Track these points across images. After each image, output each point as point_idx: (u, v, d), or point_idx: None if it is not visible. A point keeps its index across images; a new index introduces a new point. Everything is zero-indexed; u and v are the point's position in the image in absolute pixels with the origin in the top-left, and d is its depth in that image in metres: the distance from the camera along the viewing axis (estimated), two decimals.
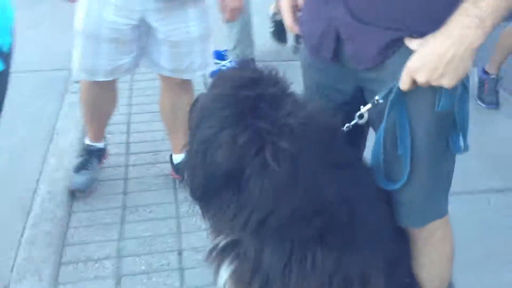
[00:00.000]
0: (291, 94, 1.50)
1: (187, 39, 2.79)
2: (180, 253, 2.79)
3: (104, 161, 3.43)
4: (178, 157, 3.26)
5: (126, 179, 3.36)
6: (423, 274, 1.85)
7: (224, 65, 4.50)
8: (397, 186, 1.57)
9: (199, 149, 1.45)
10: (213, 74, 4.32)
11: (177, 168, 3.27)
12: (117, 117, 3.99)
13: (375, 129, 1.65)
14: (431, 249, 1.80)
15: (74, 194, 3.17)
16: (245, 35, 4.51)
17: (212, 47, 3.03)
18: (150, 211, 3.09)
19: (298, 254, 1.56)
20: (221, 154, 1.38)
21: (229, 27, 4.45)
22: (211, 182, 1.44)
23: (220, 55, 4.62)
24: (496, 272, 2.53)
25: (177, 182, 3.30)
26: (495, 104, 4.01)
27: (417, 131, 1.52)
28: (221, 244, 1.71)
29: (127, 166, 3.48)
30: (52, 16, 5.57)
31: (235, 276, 1.69)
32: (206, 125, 1.43)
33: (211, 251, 1.77)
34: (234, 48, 4.54)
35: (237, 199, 1.44)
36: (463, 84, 1.48)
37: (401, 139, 1.52)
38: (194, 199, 1.55)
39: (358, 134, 1.73)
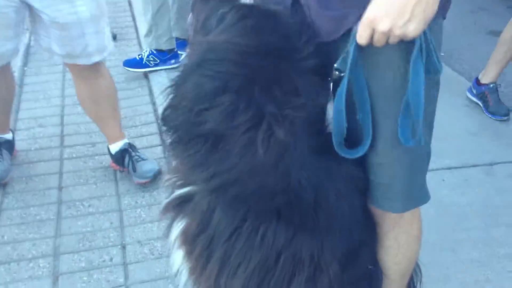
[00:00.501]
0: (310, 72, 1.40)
1: (76, 20, 2.56)
2: (123, 247, 2.62)
3: (15, 153, 3.23)
4: (115, 147, 3.10)
5: (61, 173, 3.15)
6: (389, 257, 1.75)
7: (143, 56, 4.19)
8: (359, 153, 1.46)
9: (190, 94, 1.34)
10: (126, 63, 4.21)
11: (116, 158, 3.10)
12: (49, 109, 3.79)
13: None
14: (399, 231, 1.69)
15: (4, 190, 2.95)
16: (161, 20, 4.10)
17: (107, 28, 2.83)
18: (89, 205, 2.90)
19: (250, 223, 1.47)
20: (212, 116, 1.31)
21: (145, 8, 4.11)
22: (189, 131, 1.36)
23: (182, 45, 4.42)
24: (453, 251, 2.51)
25: (118, 173, 3.12)
26: (505, 114, 3.60)
27: (377, 95, 1.43)
28: (177, 194, 1.60)
29: (61, 159, 3.27)
30: None
31: (183, 234, 1.59)
32: (209, 71, 1.33)
33: (167, 204, 1.65)
34: (147, 34, 4.18)
35: (207, 156, 1.36)
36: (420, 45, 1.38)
37: (360, 103, 1.43)
38: (167, 137, 1.45)
39: None
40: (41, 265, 2.52)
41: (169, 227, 1.65)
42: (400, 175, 1.54)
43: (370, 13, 1.27)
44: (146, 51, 4.23)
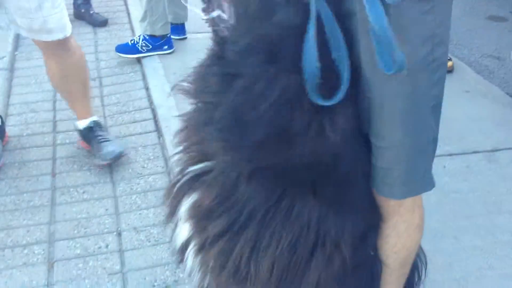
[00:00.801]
0: None
1: None
2: (119, 234, 2.56)
3: (6, 140, 3.17)
4: (82, 124, 3.07)
5: (54, 159, 3.08)
6: (388, 246, 1.69)
7: (135, 42, 4.10)
8: (334, 100, 1.39)
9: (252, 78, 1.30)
10: (119, 49, 4.12)
11: (83, 135, 3.09)
12: (41, 94, 3.71)
13: None
14: (398, 220, 1.63)
15: None
16: (157, 5, 4.02)
17: (65, 8, 2.77)
18: (84, 192, 2.83)
19: (288, 201, 1.42)
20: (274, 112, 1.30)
21: None
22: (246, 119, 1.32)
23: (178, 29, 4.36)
24: (456, 238, 2.48)
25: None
26: None
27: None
28: (192, 170, 1.53)
29: (54, 145, 3.20)
30: None
31: (194, 209, 1.52)
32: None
33: (172, 186, 1.60)
34: (143, 20, 4.10)
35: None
36: None
37: (333, 40, 1.34)
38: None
39: None
40: (35, 251, 2.46)
41: (177, 205, 1.58)
42: (401, 160, 1.49)
43: None
44: (139, 36, 4.15)
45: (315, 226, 1.44)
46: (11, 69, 3.99)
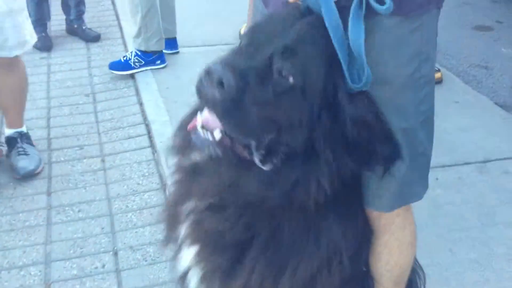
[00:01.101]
0: None
1: None
2: (115, 253, 2.56)
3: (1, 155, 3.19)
4: (8, 131, 3.17)
5: (49, 178, 3.08)
6: (380, 263, 1.70)
7: (128, 58, 4.12)
8: (364, 85, 1.34)
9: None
10: (111, 66, 4.13)
11: (7, 142, 3.16)
12: (35, 111, 3.71)
13: None
14: (390, 238, 1.65)
15: None
16: (151, 22, 4.04)
17: (28, 22, 2.91)
18: (79, 210, 2.84)
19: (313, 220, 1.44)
20: None
21: (133, 11, 4.05)
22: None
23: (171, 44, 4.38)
24: (451, 251, 2.50)
25: (107, 177, 3.06)
26: None
27: None
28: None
29: (50, 163, 3.20)
30: None
31: (200, 230, 1.50)
32: None
33: (171, 206, 1.60)
34: (137, 36, 4.10)
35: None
36: None
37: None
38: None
39: None
40: (32, 273, 2.45)
41: (175, 225, 1.57)
42: (393, 172, 1.48)
43: None
44: (131, 52, 4.16)
45: (324, 241, 1.46)
46: None
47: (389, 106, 1.41)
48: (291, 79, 1.25)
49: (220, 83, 1.18)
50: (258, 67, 1.23)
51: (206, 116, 1.28)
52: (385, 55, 1.37)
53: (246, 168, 1.33)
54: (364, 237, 1.64)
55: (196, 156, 1.44)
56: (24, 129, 3.19)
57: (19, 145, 3.08)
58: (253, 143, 1.30)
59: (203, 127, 1.28)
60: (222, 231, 1.45)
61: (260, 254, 1.45)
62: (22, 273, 2.46)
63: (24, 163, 3.00)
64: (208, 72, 1.19)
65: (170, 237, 1.64)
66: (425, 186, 1.62)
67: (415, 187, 1.59)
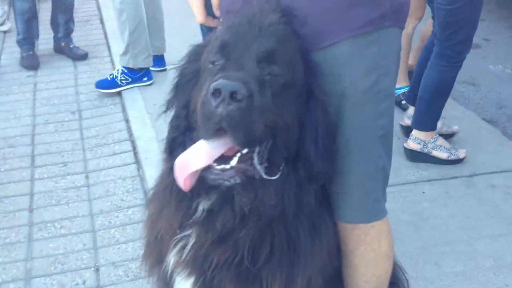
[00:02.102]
0: None
1: None
2: (97, 270, 2.51)
3: None
4: None
5: (32, 194, 3.03)
6: (357, 276, 1.68)
7: (114, 76, 4.07)
8: None
9: None
10: (98, 85, 4.10)
11: None
12: (19, 128, 3.68)
13: None
14: (365, 249, 1.63)
15: None
16: (139, 39, 4.03)
17: None
18: (61, 227, 2.79)
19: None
20: None
21: (121, 28, 4.04)
22: None
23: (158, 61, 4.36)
24: (437, 264, 2.46)
25: (91, 193, 3.02)
26: None
27: None
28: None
29: (32, 180, 3.16)
30: None
31: (196, 258, 1.45)
32: None
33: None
34: (125, 53, 4.08)
35: None
36: None
37: None
38: None
39: None
40: None
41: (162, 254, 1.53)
42: (349, 185, 1.51)
43: None
44: (118, 70, 4.15)
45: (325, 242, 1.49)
46: None
47: (348, 120, 1.42)
48: (281, 79, 1.27)
49: (232, 96, 1.15)
50: (253, 75, 1.23)
51: (206, 150, 1.25)
52: (341, 70, 1.38)
53: (260, 186, 1.31)
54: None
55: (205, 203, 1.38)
56: None
57: None
58: (255, 158, 1.29)
59: (216, 161, 1.25)
60: (233, 259, 1.41)
61: (278, 267, 1.42)
62: None
63: None
64: (215, 91, 1.16)
65: (155, 264, 1.61)
66: (385, 200, 1.61)
67: (379, 201, 1.58)
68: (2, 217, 2.85)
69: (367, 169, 1.50)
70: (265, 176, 1.29)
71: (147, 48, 4.11)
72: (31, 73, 4.47)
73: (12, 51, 4.80)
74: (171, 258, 1.51)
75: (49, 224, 2.81)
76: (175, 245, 1.48)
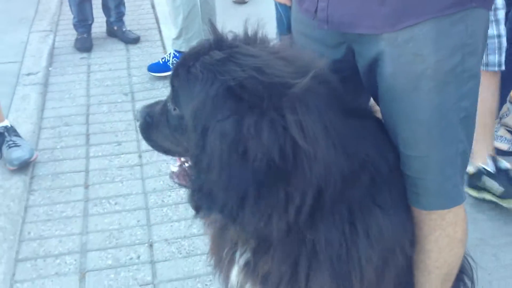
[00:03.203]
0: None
1: None
2: (150, 245, 2.55)
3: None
4: None
5: (87, 171, 3.09)
6: (429, 260, 1.64)
7: (166, 60, 4.13)
8: None
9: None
10: (150, 68, 4.15)
11: None
12: (74, 108, 3.75)
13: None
14: (440, 234, 1.58)
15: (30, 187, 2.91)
16: (193, 23, 4.03)
17: None
18: (116, 203, 2.84)
19: (361, 222, 1.36)
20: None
21: (175, 12, 4.03)
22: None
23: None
24: (494, 255, 2.41)
25: (144, 172, 3.07)
26: None
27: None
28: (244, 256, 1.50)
29: (87, 157, 3.22)
30: (3, 9, 5.23)
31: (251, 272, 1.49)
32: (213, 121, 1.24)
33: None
34: (178, 37, 4.09)
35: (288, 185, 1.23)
36: None
37: None
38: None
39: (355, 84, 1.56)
40: (67, 261, 2.46)
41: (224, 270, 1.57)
42: (428, 170, 1.46)
43: None
44: (170, 53, 4.19)
45: (392, 239, 1.42)
46: (45, 84, 4.05)
47: (428, 101, 1.37)
48: (176, 111, 1.35)
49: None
50: (164, 105, 1.42)
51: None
52: (424, 49, 1.33)
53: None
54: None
55: None
56: (7, 123, 3.18)
57: (7, 138, 3.07)
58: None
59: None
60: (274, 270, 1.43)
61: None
62: (57, 261, 2.46)
63: (18, 154, 2.98)
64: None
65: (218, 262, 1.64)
66: (463, 185, 1.57)
67: (458, 186, 1.52)
68: (58, 192, 2.92)
69: (447, 153, 1.44)
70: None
71: (200, 32, 4.12)
72: (85, 55, 4.54)
73: (66, 33, 4.90)
74: (233, 274, 1.54)
75: (103, 200, 2.86)
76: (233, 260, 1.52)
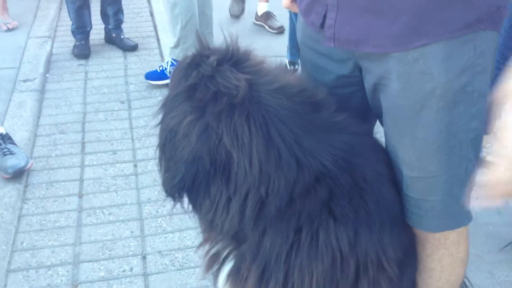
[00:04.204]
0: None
1: None
2: (144, 257, 2.53)
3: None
4: None
5: (81, 180, 3.08)
6: (431, 280, 1.63)
7: (164, 68, 4.13)
8: None
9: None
10: (148, 76, 4.14)
11: None
12: (71, 115, 3.74)
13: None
14: (443, 253, 1.57)
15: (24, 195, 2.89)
16: (190, 33, 4.01)
17: None
18: (110, 213, 2.82)
19: (308, 230, 1.35)
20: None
21: (173, 21, 4.05)
22: (194, 176, 1.35)
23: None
24: (489, 272, 2.40)
25: (139, 182, 3.05)
26: None
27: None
28: (216, 250, 1.55)
29: (82, 166, 3.20)
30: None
31: (232, 275, 1.51)
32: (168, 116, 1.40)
33: (208, 257, 1.59)
34: (176, 46, 4.09)
35: (226, 187, 1.33)
36: None
37: None
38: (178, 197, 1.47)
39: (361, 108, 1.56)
40: (60, 273, 2.44)
41: (216, 276, 1.59)
42: (435, 192, 1.44)
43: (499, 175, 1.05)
44: (167, 61, 4.18)
45: (349, 251, 1.37)
46: (42, 90, 4.03)
47: (438, 121, 1.35)
48: None
49: None
50: None
51: None
52: (434, 68, 1.32)
53: None
54: (409, 248, 1.57)
55: None
56: (3, 130, 3.16)
57: (2, 146, 3.05)
58: None
59: None
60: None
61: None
62: (50, 272, 2.44)
63: (12, 162, 2.95)
64: None
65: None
66: (469, 205, 1.51)
67: (464, 209, 1.49)
68: (52, 202, 2.90)
69: (456, 173, 1.42)
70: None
71: None
72: (82, 62, 4.53)
73: (64, 39, 4.89)
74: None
75: (98, 210, 2.84)
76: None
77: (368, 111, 1.56)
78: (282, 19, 4.86)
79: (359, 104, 1.54)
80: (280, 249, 1.37)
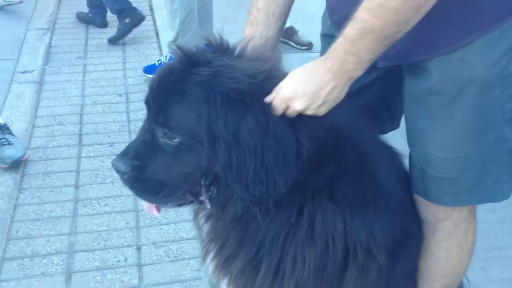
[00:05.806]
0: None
1: None
2: (138, 248, 2.54)
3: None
4: None
5: (78, 171, 3.08)
6: (437, 268, 1.65)
7: (162, 62, 4.12)
8: None
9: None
10: (146, 70, 4.15)
11: None
12: (68, 107, 3.74)
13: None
14: (452, 242, 1.60)
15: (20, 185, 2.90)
16: (189, 27, 4.03)
17: None
18: (105, 204, 2.82)
19: (307, 214, 1.37)
20: None
21: (172, 15, 4.05)
22: None
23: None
24: (482, 268, 2.41)
25: None
26: None
27: None
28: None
29: (79, 157, 3.20)
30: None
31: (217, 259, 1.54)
32: None
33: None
34: (174, 40, 4.07)
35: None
36: None
37: None
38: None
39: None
40: (54, 262, 2.44)
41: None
42: (468, 170, 1.47)
43: (287, 90, 1.29)
44: (166, 55, 4.18)
45: (341, 236, 1.39)
46: (40, 82, 4.04)
47: (474, 105, 1.39)
48: (175, 140, 1.34)
49: (118, 172, 1.44)
50: (146, 139, 1.38)
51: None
52: (472, 56, 1.35)
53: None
54: (411, 227, 1.59)
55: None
56: (1, 121, 3.17)
57: (0, 136, 3.05)
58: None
59: None
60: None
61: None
62: (44, 261, 2.45)
63: (10, 152, 2.96)
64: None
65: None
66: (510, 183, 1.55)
67: (501, 184, 1.52)
68: (48, 192, 2.91)
69: (489, 153, 1.46)
70: (208, 206, 1.42)
71: (196, 37, 4.12)
72: (81, 54, 4.54)
73: (63, 32, 4.90)
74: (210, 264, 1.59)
75: (93, 201, 2.85)
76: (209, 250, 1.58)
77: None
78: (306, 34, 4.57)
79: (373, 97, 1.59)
80: (279, 232, 1.39)
